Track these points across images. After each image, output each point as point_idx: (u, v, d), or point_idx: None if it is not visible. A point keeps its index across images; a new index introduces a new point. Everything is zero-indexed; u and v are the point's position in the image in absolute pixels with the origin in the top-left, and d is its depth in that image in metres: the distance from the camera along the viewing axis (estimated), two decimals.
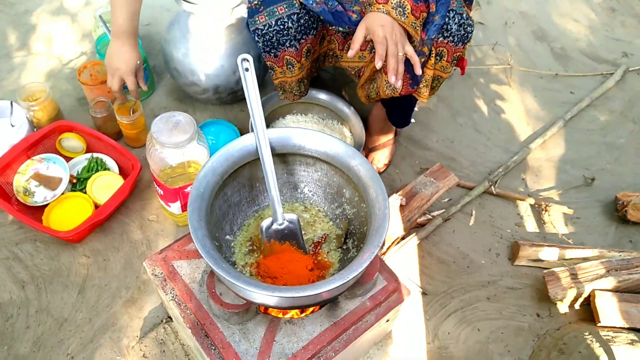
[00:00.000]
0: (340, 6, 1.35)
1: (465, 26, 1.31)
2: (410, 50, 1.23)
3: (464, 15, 1.31)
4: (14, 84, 1.97)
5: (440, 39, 1.31)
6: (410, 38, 1.27)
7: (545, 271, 1.57)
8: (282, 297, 0.87)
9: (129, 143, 1.80)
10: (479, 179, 1.86)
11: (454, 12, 1.30)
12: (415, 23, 1.25)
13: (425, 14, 1.28)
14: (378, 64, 1.21)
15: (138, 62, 1.59)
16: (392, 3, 1.21)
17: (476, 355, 1.46)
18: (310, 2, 1.34)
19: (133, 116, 1.68)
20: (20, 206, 1.56)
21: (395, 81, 1.23)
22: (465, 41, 1.32)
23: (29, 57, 2.08)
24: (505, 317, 1.55)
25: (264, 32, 1.37)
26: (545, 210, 1.78)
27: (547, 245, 1.64)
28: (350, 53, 1.24)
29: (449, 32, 1.30)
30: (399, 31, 1.22)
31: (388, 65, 1.22)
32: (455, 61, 1.36)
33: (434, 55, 1.34)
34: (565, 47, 2.44)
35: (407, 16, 1.23)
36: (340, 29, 1.41)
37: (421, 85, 1.40)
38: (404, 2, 1.22)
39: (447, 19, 1.30)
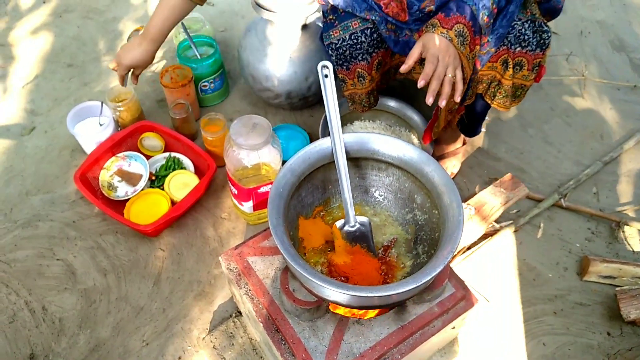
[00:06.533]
0: (407, 35, 1.38)
1: (541, 32, 1.30)
2: (459, 75, 1.24)
3: (538, 22, 1.31)
4: (102, 86, 2.11)
5: (518, 48, 1.31)
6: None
7: (617, 289, 1.53)
8: (356, 295, 0.90)
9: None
10: (548, 191, 1.82)
11: (529, 21, 1.30)
12: (469, 55, 1.27)
13: (478, 47, 1.29)
14: (420, 83, 1.21)
15: (140, 64, 1.64)
16: (455, 30, 1.22)
17: None
18: (382, 27, 1.37)
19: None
20: (105, 200, 1.67)
21: (440, 101, 1.24)
22: (544, 47, 1.32)
23: None
24: (573, 333, 1.51)
25: (337, 46, 1.41)
26: (619, 227, 1.73)
27: (619, 262, 1.59)
28: (403, 68, 1.25)
29: (526, 41, 1.30)
30: (453, 54, 1.22)
31: (430, 86, 1.22)
32: (536, 68, 1.35)
33: (511, 66, 1.34)
34: None
35: (465, 47, 1.24)
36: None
37: (501, 96, 1.42)
38: (465, 32, 1.23)
39: (522, 29, 1.30)
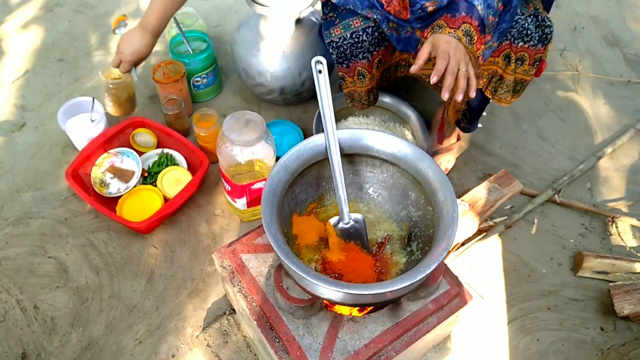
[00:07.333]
0: (409, 32, 1.37)
1: (543, 27, 1.30)
2: (472, 71, 1.22)
3: (541, 16, 1.31)
4: (93, 82, 2.09)
5: (520, 43, 1.31)
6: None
7: (611, 284, 1.53)
8: (350, 293, 0.89)
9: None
10: (542, 186, 1.82)
11: (531, 15, 1.30)
12: (476, 54, 1.27)
13: (483, 47, 1.29)
14: (433, 79, 1.19)
15: (143, 56, 1.65)
16: (462, 30, 1.21)
17: None
18: (384, 26, 1.37)
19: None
20: (97, 196, 1.66)
21: (457, 95, 1.22)
22: (545, 42, 1.32)
23: (107, 57, 2.20)
24: (567, 328, 1.52)
25: (338, 44, 1.40)
26: (612, 222, 1.73)
27: (613, 258, 1.59)
28: (413, 69, 1.23)
29: (528, 35, 1.30)
30: (463, 51, 1.21)
31: (444, 82, 1.20)
32: (537, 63, 1.35)
33: (514, 60, 1.34)
34: (639, 53, 2.35)
35: (472, 46, 1.24)
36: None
37: (502, 91, 1.43)
38: (472, 31, 1.22)
39: (525, 24, 1.30)
